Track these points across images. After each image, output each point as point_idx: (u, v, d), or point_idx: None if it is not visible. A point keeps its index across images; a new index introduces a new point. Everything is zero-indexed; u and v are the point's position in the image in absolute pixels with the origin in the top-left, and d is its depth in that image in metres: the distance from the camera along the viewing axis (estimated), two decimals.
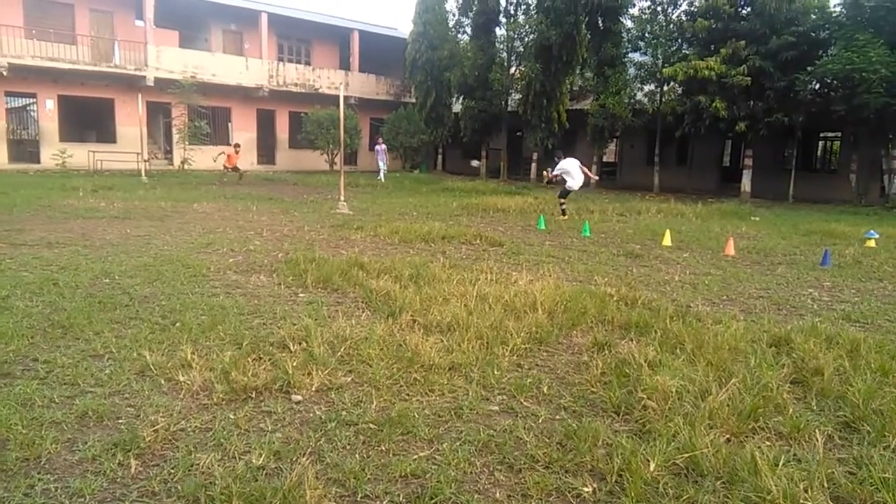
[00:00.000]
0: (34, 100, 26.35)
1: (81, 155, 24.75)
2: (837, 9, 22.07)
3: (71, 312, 5.12)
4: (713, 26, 22.47)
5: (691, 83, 22.69)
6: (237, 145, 24.33)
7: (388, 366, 4.21)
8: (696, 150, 28.40)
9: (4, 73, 23.39)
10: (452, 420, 3.52)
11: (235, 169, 22.87)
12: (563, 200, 14.58)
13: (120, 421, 3.35)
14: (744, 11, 22.98)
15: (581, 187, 14.76)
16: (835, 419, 3.67)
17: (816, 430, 3.42)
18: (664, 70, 23.83)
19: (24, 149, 27.19)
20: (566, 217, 14.06)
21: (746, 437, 3.38)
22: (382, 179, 24.65)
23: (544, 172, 15.11)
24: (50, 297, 5.65)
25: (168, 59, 27.00)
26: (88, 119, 27.31)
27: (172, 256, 7.75)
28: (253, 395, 3.71)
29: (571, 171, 14.06)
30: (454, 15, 31.95)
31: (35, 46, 24.37)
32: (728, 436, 3.35)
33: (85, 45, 26.08)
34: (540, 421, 3.54)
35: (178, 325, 4.95)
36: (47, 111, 25.70)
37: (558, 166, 14.26)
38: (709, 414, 3.49)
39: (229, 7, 30.08)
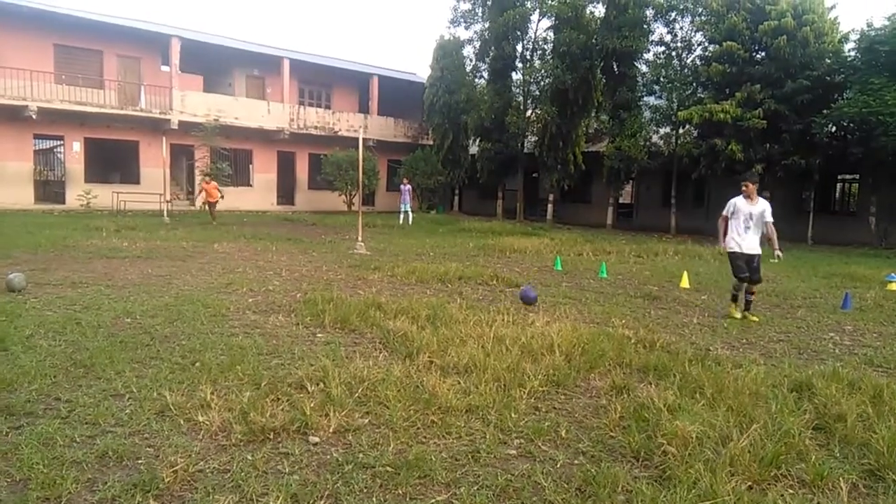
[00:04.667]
0: (61, 142, 27.05)
1: (105, 195, 25.25)
2: (852, 53, 22.26)
3: (93, 352, 5.19)
4: (728, 70, 22.71)
5: (707, 126, 22.84)
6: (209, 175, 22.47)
7: (406, 407, 4.21)
8: (713, 191, 28.30)
9: (33, 117, 24.04)
10: (470, 464, 3.50)
11: (214, 204, 21.49)
12: (742, 282, 8.15)
13: (139, 461, 3.37)
14: (758, 56, 23.24)
15: (752, 254, 8.14)
16: (859, 467, 3.60)
17: (840, 479, 3.37)
18: (679, 113, 24.04)
19: (50, 189, 27.82)
20: (736, 312, 8.18)
21: (769, 484, 3.33)
22: (401, 222, 24.48)
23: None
24: (72, 337, 5.73)
25: (192, 103, 27.67)
26: (113, 160, 27.90)
27: (193, 296, 7.84)
28: (271, 437, 3.72)
29: (740, 220, 8.13)
30: (471, 60, 32.56)
31: (64, 91, 25.12)
32: (750, 483, 3.30)
33: (112, 89, 26.83)
34: (558, 465, 3.52)
35: (197, 364, 4.99)
36: (74, 153, 26.33)
37: (730, 203, 8.31)
38: (730, 460, 3.44)
39: (252, 53, 30.97)
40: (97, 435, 3.67)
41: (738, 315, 8.05)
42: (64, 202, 25.79)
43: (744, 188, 8.23)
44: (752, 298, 8.28)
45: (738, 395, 4.51)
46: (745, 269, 8.08)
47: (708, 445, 3.66)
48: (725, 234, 8.35)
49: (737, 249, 8.17)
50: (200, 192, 22.15)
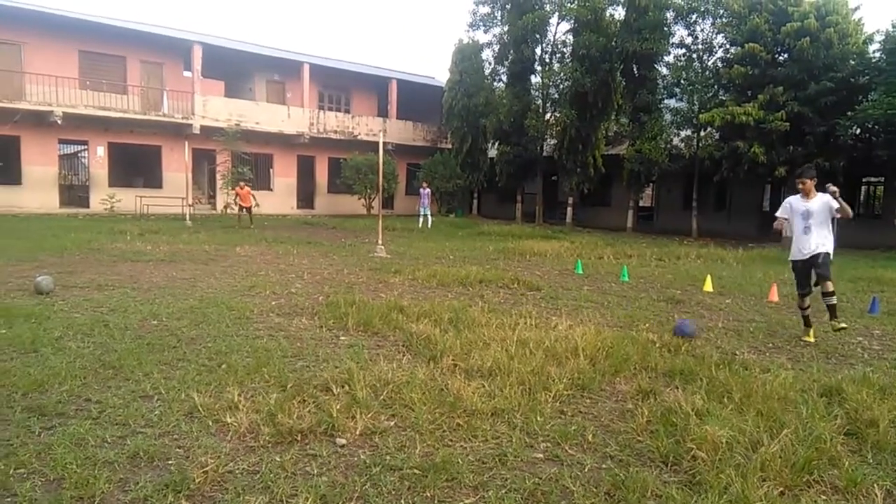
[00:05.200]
0: (85, 147, 27.47)
1: (129, 199, 25.59)
2: (877, 54, 21.96)
3: (121, 353, 5.25)
4: (750, 72, 22.49)
5: (729, 128, 22.64)
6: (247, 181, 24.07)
7: (431, 410, 4.21)
8: (735, 194, 28.11)
9: (59, 122, 24.44)
10: (497, 467, 3.49)
11: (248, 210, 22.16)
12: (803, 297, 7.14)
13: (170, 462, 3.40)
14: (780, 58, 23.00)
15: (817, 252, 6.87)
16: (893, 473, 3.54)
17: (875, 485, 3.31)
18: (701, 116, 23.85)
19: (75, 193, 28.24)
20: (811, 335, 7.05)
21: (801, 490, 3.28)
22: (420, 225, 24.55)
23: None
24: (101, 339, 5.80)
25: (214, 108, 27.98)
26: (136, 165, 28.29)
27: (217, 299, 7.91)
28: (298, 438, 3.74)
29: (797, 222, 7.08)
30: (490, 63, 32.59)
31: (88, 96, 25.51)
32: (782, 489, 3.26)
33: (135, 94, 27.23)
34: (586, 470, 3.50)
35: (224, 366, 5.03)
36: (98, 158, 26.73)
37: (785, 202, 7.36)
38: (761, 465, 3.40)
39: (273, 58, 31.25)
40: (128, 435, 3.71)
41: (812, 339, 6.95)
42: (88, 206, 26.19)
43: (800, 185, 7.08)
44: (833, 302, 6.86)
45: (766, 399, 4.46)
46: (807, 282, 7.02)
47: (738, 450, 3.62)
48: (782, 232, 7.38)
49: (798, 257, 7.06)
50: (236, 196, 22.63)
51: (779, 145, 21.85)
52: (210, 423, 3.91)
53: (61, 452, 3.39)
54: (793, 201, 7.17)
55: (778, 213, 7.32)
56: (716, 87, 25.64)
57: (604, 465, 3.57)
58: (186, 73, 28.83)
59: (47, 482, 3.14)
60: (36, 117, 24.40)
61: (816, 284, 7.03)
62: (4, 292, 7.92)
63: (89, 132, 26.12)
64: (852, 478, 3.37)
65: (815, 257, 6.87)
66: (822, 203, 6.88)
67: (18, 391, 4.32)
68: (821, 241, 6.88)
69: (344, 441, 3.75)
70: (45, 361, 4.99)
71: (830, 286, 6.78)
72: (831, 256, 6.92)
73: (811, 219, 6.90)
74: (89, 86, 25.84)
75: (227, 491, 3.11)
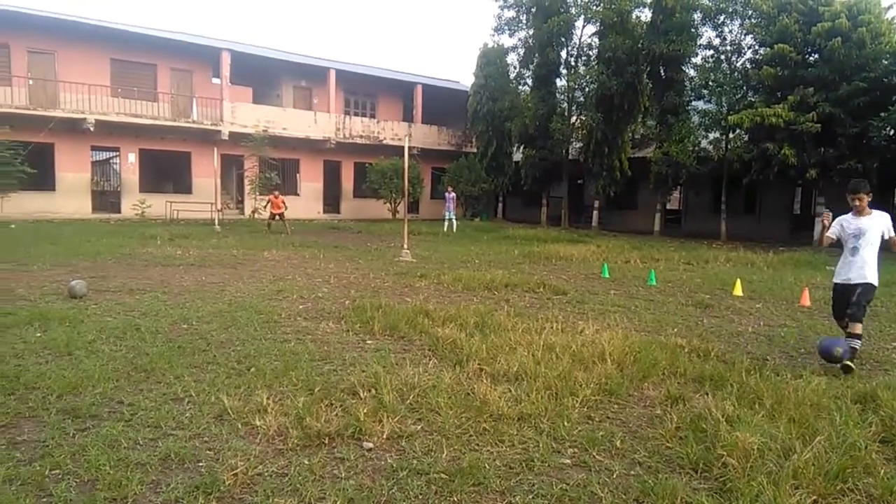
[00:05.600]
0: (117, 153, 27.98)
1: (159, 205, 26.03)
2: None
3: (153, 357, 5.34)
4: (779, 74, 22.14)
5: (758, 130, 22.31)
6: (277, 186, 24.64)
7: (457, 415, 4.21)
8: (765, 197, 27.69)
9: (91, 129, 24.92)
10: (524, 472, 3.48)
11: (281, 217, 22.20)
12: (840, 323, 6.41)
13: (201, 464, 3.45)
14: (811, 58, 22.59)
15: (855, 283, 6.11)
16: None
17: None
18: (729, 118, 23.51)
19: (107, 199, 28.79)
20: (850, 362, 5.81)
21: (835, 498, 3.23)
22: (445, 229, 24.61)
23: (822, 220, 6.40)
24: (132, 342, 5.91)
25: (242, 115, 28.32)
26: (166, 171, 28.75)
27: (245, 303, 8.00)
28: (326, 441, 3.77)
29: (847, 242, 6.25)
30: (515, 67, 32.56)
31: (119, 104, 26.00)
32: (815, 497, 3.20)
33: (165, 102, 27.67)
34: (614, 476, 3.47)
35: (252, 370, 5.09)
36: (129, 164, 27.21)
37: (836, 222, 6.37)
38: (793, 473, 3.35)
39: (300, 65, 31.55)
40: (159, 438, 3.77)
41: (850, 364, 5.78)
42: (120, 211, 26.66)
43: (856, 202, 6.13)
44: (856, 345, 5.93)
45: (799, 406, 4.38)
46: (842, 313, 6.25)
47: (769, 458, 3.57)
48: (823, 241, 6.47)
49: (838, 279, 6.30)
50: (267, 203, 22.92)
51: (810, 147, 21.46)
52: (239, 426, 3.96)
53: (95, 454, 3.46)
54: (844, 221, 6.29)
55: (829, 233, 6.35)
56: (745, 88, 25.28)
57: (632, 472, 3.54)
58: (215, 80, 29.25)
59: (81, 483, 3.20)
60: (69, 125, 24.89)
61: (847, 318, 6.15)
62: (40, 296, 8.11)
63: (121, 139, 26.59)
64: (888, 486, 3.30)
65: (853, 288, 6.12)
66: (878, 223, 6.13)
67: (53, 393, 4.42)
68: (865, 262, 6.10)
69: (371, 445, 3.77)
70: (78, 364, 5.10)
71: (858, 328, 6.00)
72: (874, 286, 6.15)
73: (862, 238, 6.12)
74: (121, 93, 26.32)
75: (257, 493, 3.14)
